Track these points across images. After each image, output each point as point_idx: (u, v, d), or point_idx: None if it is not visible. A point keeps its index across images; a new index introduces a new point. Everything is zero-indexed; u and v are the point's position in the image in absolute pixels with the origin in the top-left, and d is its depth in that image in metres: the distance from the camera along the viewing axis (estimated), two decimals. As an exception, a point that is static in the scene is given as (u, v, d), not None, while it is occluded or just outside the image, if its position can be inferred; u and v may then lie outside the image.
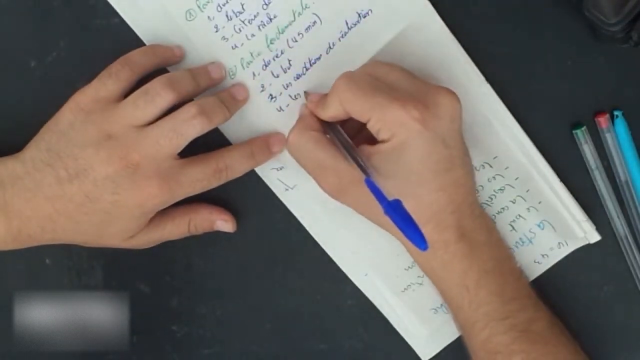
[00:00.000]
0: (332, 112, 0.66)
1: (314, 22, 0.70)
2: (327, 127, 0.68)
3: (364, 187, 0.62)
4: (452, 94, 0.65)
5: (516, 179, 0.73)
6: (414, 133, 0.63)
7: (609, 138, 0.72)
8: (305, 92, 0.71)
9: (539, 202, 0.73)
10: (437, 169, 0.64)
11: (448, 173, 0.65)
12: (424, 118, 0.63)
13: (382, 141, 0.65)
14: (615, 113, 0.72)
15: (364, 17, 0.70)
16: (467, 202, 0.66)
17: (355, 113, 0.65)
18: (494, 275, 0.66)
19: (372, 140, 0.66)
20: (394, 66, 0.67)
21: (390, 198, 0.60)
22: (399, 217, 0.60)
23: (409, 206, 0.60)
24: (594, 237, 0.73)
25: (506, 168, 0.72)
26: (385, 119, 0.64)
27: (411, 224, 0.59)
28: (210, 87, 0.70)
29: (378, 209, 0.62)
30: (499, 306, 0.66)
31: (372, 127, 0.65)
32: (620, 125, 0.72)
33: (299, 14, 0.70)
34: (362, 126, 0.67)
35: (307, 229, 0.74)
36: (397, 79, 0.66)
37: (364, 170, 0.63)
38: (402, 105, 0.63)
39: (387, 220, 0.62)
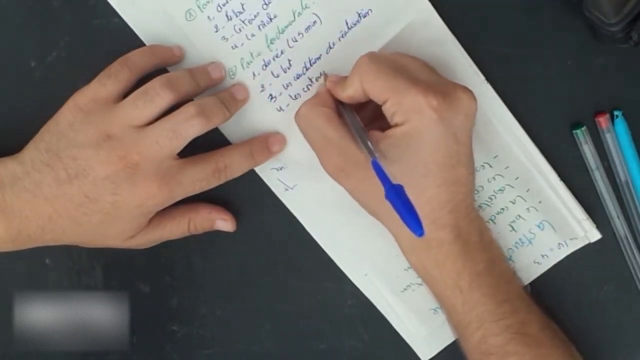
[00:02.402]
0: (351, 91, 0.66)
1: (314, 22, 0.70)
2: (341, 108, 0.68)
3: (366, 171, 0.62)
4: (470, 92, 0.65)
5: (516, 178, 0.73)
6: (428, 122, 0.63)
7: (609, 138, 0.72)
8: (323, 73, 0.70)
9: (539, 202, 0.73)
10: (443, 163, 0.64)
11: (453, 169, 0.65)
12: (441, 109, 0.63)
13: (395, 125, 0.65)
14: (615, 113, 0.72)
15: (364, 16, 0.70)
16: (465, 203, 0.66)
17: (373, 93, 0.65)
18: (487, 277, 0.66)
19: (384, 130, 0.66)
20: (416, 58, 0.68)
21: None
22: (400, 202, 0.59)
23: (409, 196, 0.60)
24: (595, 235, 0.73)
25: (506, 167, 0.73)
26: (403, 103, 0.64)
27: (411, 210, 0.59)
28: (210, 87, 0.70)
29: (376, 195, 0.62)
30: (493, 308, 0.66)
31: (388, 109, 0.65)
32: (620, 125, 0.72)
33: (299, 13, 0.70)
34: (375, 117, 0.67)
35: (307, 229, 0.74)
36: (419, 69, 0.66)
37: (371, 151, 0.63)
38: (422, 92, 0.63)
39: (383, 208, 0.62)
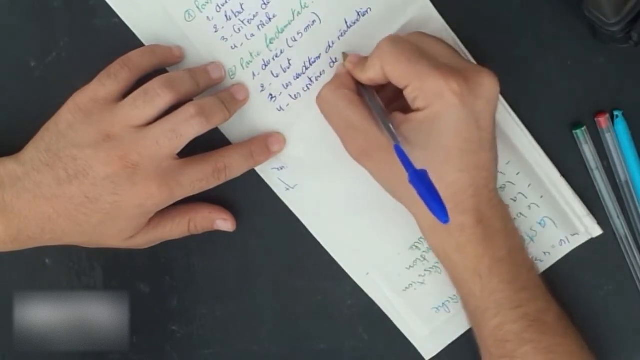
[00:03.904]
0: (371, 74, 0.66)
1: (314, 22, 0.70)
2: (362, 90, 0.68)
3: (389, 154, 0.62)
4: (494, 76, 0.65)
5: (517, 174, 0.73)
6: (450, 106, 0.63)
7: (609, 138, 0.72)
8: (343, 53, 0.70)
9: (541, 197, 0.73)
10: (465, 148, 0.64)
11: (475, 155, 0.64)
12: (462, 93, 0.63)
13: (417, 110, 0.64)
14: (615, 113, 0.71)
15: (363, 15, 0.70)
16: (488, 188, 0.66)
17: (394, 77, 0.65)
18: (507, 263, 0.66)
19: (404, 112, 0.66)
20: (439, 40, 0.68)
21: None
22: (424, 187, 0.59)
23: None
24: (596, 231, 0.73)
25: (507, 163, 0.72)
26: (424, 88, 0.63)
27: (435, 195, 0.59)
28: (210, 87, 0.70)
29: (398, 178, 0.62)
30: (511, 294, 0.66)
31: (409, 94, 0.64)
32: (620, 125, 0.71)
33: (298, 13, 0.70)
34: (395, 97, 0.67)
35: (308, 228, 0.74)
36: (441, 52, 0.66)
37: (394, 136, 0.63)
38: (444, 76, 0.63)
39: (405, 191, 0.62)
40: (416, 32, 0.68)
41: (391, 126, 0.64)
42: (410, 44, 0.65)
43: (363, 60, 0.67)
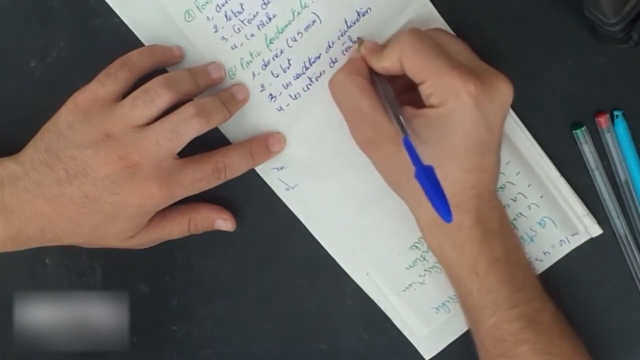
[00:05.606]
0: (387, 63, 0.66)
1: (314, 22, 0.70)
2: (375, 78, 0.67)
3: (396, 146, 0.62)
4: (509, 82, 0.65)
5: (517, 174, 0.73)
6: (464, 107, 0.63)
7: (609, 138, 0.72)
8: (358, 38, 0.70)
9: (540, 197, 0.73)
10: (472, 150, 0.64)
11: (481, 157, 0.64)
12: (478, 95, 0.63)
13: (430, 106, 0.64)
14: (615, 113, 0.72)
15: (363, 15, 0.70)
16: (489, 190, 0.66)
17: (412, 71, 0.64)
18: (504, 263, 0.66)
19: (414, 107, 0.65)
20: (458, 39, 0.68)
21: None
22: (430, 183, 0.59)
23: None
24: (596, 230, 0.73)
25: (507, 163, 0.72)
26: (441, 85, 0.63)
27: (440, 193, 0.59)
28: (210, 87, 0.70)
29: (402, 171, 0.62)
30: (508, 294, 0.66)
31: (425, 89, 0.64)
32: (620, 125, 0.71)
33: (298, 13, 0.70)
34: (406, 90, 0.67)
35: (308, 228, 0.74)
36: (461, 52, 0.66)
37: (404, 128, 0.63)
38: (462, 76, 0.63)
39: (406, 185, 0.63)
40: (435, 28, 0.68)
41: (401, 118, 0.63)
42: (431, 39, 0.65)
43: (379, 48, 0.67)
